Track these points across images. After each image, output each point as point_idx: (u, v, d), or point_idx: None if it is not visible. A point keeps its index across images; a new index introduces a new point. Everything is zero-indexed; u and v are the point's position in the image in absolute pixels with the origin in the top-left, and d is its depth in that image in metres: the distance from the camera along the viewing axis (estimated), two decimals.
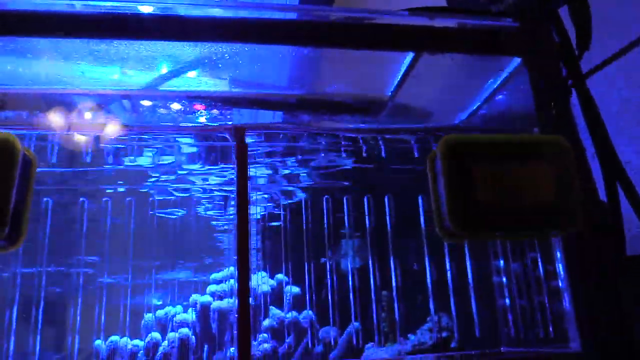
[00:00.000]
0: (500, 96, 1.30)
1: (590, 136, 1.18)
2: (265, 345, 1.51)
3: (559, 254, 1.09)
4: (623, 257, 1.06)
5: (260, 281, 1.75)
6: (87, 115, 1.20)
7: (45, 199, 1.35)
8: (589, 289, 1.01)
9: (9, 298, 1.38)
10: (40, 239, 1.40)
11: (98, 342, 1.51)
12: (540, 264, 1.19)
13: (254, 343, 1.53)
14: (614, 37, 1.56)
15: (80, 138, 1.19)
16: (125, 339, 1.52)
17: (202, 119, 1.30)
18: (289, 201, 1.71)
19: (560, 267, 1.08)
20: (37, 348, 1.41)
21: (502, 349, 1.27)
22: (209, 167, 1.42)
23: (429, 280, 1.40)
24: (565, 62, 1.21)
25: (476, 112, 1.38)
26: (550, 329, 1.13)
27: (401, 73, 1.25)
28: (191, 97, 1.25)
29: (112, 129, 1.20)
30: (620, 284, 1.03)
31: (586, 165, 1.13)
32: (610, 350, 0.96)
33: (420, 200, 1.36)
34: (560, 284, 1.07)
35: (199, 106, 1.29)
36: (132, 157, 1.31)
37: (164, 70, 1.26)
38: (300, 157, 1.42)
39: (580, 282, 1.02)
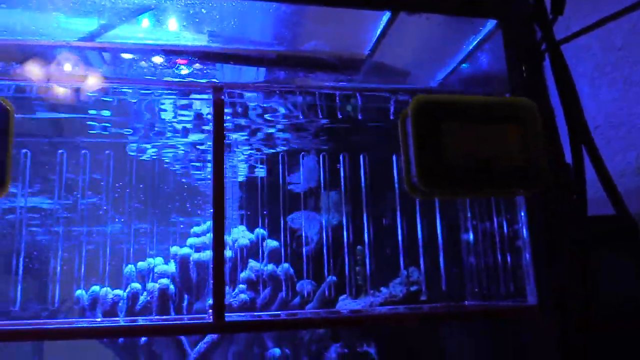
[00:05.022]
0: (476, 58, 1.32)
1: (560, 100, 1.21)
2: (243, 296, 1.56)
3: (522, 214, 1.14)
4: (584, 217, 1.11)
5: (240, 235, 1.79)
6: (65, 67, 1.19)
7: (24, 151, 1.36)
8: (549, 245, 1.06)
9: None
10: (20, 191, 1.42)
11: (79, 292, 1.54)
12: (505, 223, 1.24)
13: (232, 293, 1.58)
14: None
15: (58, 91, 1.19)
16: (106, 289, 1.55)
17: (184, 72, 1.31)
18: (267, 159, 1.74)
19: (523, 225, 1.14)
20: (19, 298, 1.44)
21: (466, 302, 1.34)
22: (187, 122, 1.44)
23: (400, 236, 1.45)
24: (540, 25, 1.23)
25: (453, 73, 1.40)
26: (511, 285, 1.20)
27: (378, 32, 1.26)
28: (170, 52, 1.25)
29: (91, 81, 1.20)
30: (580, 243, 1.09)
31: (554, 127, 1.17)
32: (564, 305, 1.02)
33: (394, 159, 1.40)
34: (521, 241, 1.13)
35: (180, 60, 1.29)
36: (110, 110, 1.32)
37: (145, 23, 1.26)
38: (278, 115, 1.44)
39: (541, 237, 1.07)
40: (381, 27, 1.25)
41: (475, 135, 0.98)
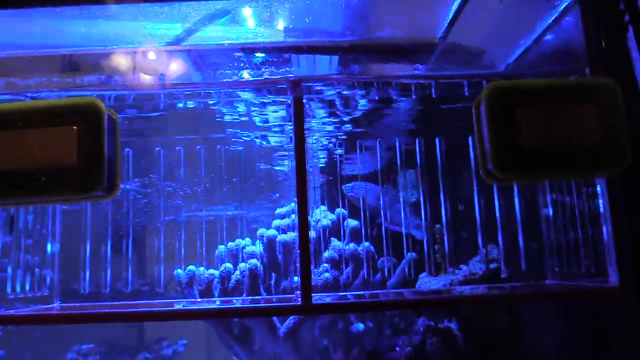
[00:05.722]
0: (554, 33, 1.29)
1: None
2: (326, 275, 1.64)
3: (599, 188, 1.12)
4: None
5: (321, 215, 1.86)
6: (154, 72, 1.31)
7: (126, 150, 1.51)
8: (632, 225, 1.05)
9: (104, 234, 1.58)
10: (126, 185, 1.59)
11: (178, 271, 1.69)
12: (585, 199, 1.23)
13: (315, 271, 1.67)
14: None
15: (151, 95, 1.31)
16: (202, 268, 1.68)
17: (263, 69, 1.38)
18: (346, 142, 1.80)
19: (601, 203, 1.12)
20: (130, 276, 1.61)
21: (547, 281, 1.34)
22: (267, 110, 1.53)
23: (480, 214, 1.47)
24: None
25: (529, 50, 1.38)
26: (592, 264, 1.19)
27: (451, 15, 1.26)
28: (248, 49, 1.33)
29: (177, 83, 1.30)
30: None
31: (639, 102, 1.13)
32: None
33: (470, 140, 1.41)
34: (602, 220, 1.12)
35: (259, 55, 1.36)
36: (199, 108, 1.44)
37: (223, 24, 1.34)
38: (354, 102, 1.49)
39: (623, 218, 1.06)
40: (453, 10, 1.25)
41: (551, 119, 0.98)
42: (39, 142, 0.93)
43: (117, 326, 3.07)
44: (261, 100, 1.47)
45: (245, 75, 1.34)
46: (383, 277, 1.70)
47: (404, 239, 1.62)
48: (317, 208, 1.91)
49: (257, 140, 1.77)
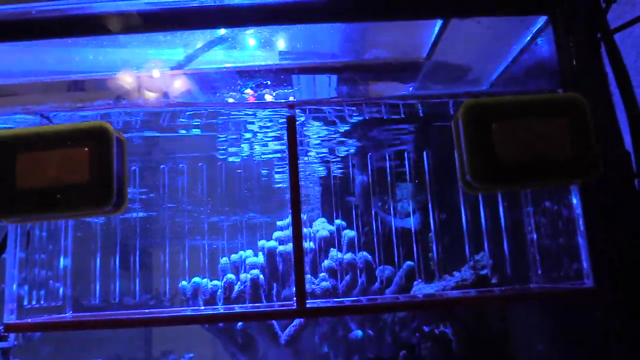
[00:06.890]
0: (529, 53, 1.38)
1: (618, 88, 1.25)
2: (325, 284, 1.72)
3: (576, 200, 1.20)
4: None
5: (320, 227, 1.94)
6: (159, 94, 1.40)
7: (133, 167, 1.61)
8: (604, 230, 1.12)
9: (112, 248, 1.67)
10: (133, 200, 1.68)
11: (183, 283, 1.77)
12: (563, 207, 1.30)
13: (315, 280, 1.74)
14: None
15: (156, 116, 1.40)
16: (205, 280, 1.76)
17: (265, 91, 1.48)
18: (341, 159, 1.89)
19: (578, 210, 1.20)
20: (137, 289, 1.70)
21: (531, 285, 1.42)
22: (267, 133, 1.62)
23: (470, 224, 1.55)
24: (593, 14, 1.26)
25: (509, 69, 1.46)
26: (573, 267, 1.26)
27: (433, 37, 1.36)
28: (245, 72, 1.42)
29: (181, 103, 1.40)
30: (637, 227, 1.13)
31: (613, 117, 1.21)
32: (621, 286, 1.08)
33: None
34: (578, 225, 1.20)
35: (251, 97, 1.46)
36: (200, 128, 1.53)
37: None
38: (347, 121, 1.59)
39: (596, 222, 1.13)
40: (435, 32, 1.34)
41: (524, 132, 1.05)
42: (55, 162, 1.02)
43: (125, 341, 3.14)
44: (261, 118, 1.56)
45: (245, 95, 1.43)
46: (382, 285, 1.78)
47: (394, 246, 1.70)
48: (316, 220, 1.99)
49: (256, 157, 1.86)
